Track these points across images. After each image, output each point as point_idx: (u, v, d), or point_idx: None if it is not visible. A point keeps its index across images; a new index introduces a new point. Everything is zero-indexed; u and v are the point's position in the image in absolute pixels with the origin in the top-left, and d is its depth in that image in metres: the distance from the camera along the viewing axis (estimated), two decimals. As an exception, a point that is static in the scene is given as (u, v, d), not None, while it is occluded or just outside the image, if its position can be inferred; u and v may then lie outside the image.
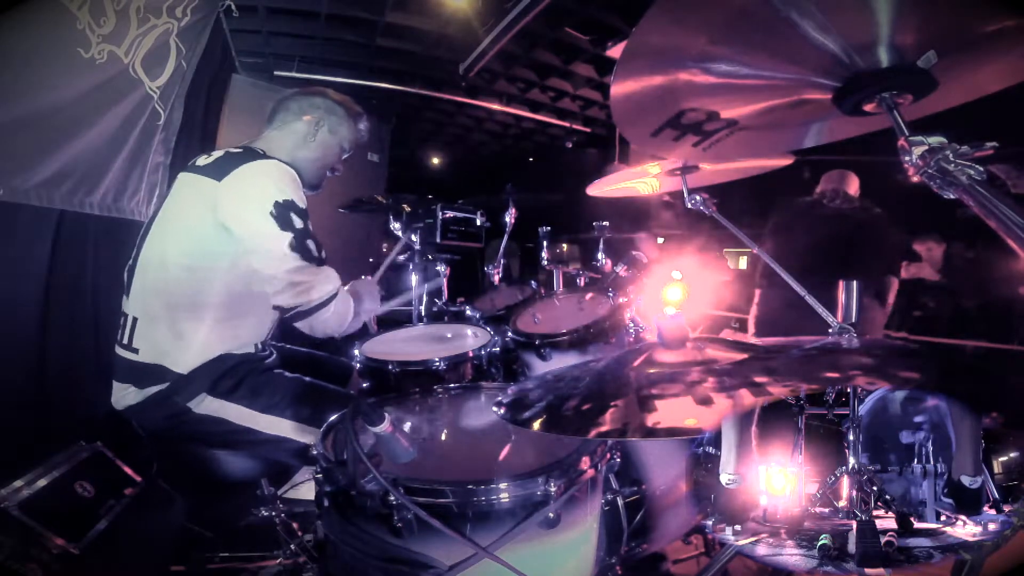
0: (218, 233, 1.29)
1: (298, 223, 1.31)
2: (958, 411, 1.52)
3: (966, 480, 1.45)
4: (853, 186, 2.48)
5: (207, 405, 1.31)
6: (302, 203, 1.35)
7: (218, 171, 1.32)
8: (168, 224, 1.38)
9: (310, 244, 1.33)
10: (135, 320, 1.34)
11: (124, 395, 1.34)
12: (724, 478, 1.58)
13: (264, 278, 1.32)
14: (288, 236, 1.29)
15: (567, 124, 6.35)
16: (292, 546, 1.43)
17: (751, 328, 2.44)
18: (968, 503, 1.43)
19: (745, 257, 4.68)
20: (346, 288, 1.47)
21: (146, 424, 1.36)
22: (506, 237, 2.55)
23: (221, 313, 1.32)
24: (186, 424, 1.31)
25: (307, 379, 1.42)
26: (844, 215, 2.32)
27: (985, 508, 1.44)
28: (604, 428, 0.72)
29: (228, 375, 1.33)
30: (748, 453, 1.58)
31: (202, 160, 1.39)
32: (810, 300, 1.32)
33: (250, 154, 1.37)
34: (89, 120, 2.19)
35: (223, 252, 1.30)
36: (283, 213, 1.29)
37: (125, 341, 1.35)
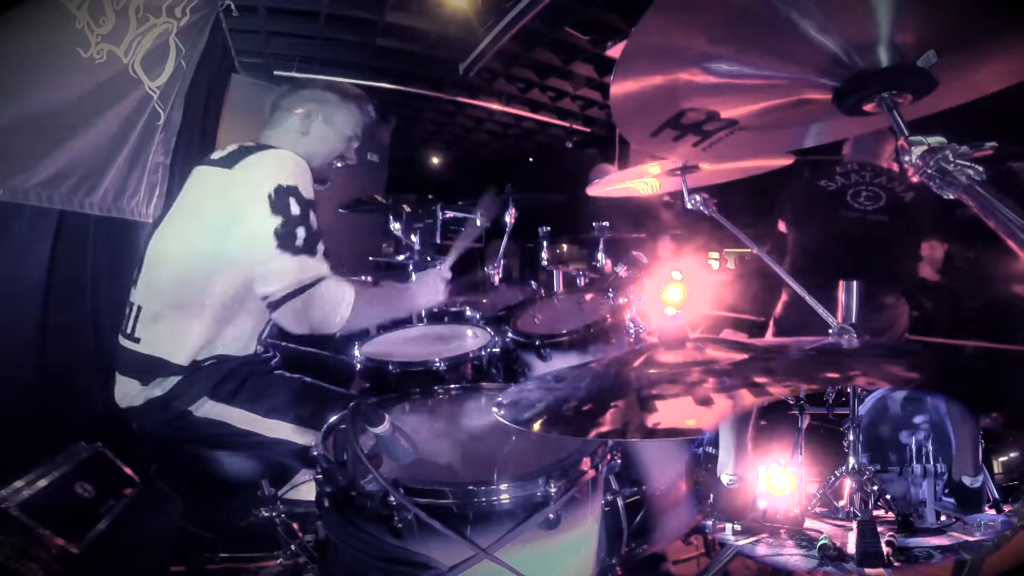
0: (227, 223, 1.28)
1: (294, 210, 1.27)
2: (958, 411, 1.51)
3: (967, 480, 1.45)
4: (887, 152, 2.18)
5: (208, 409, 1.31)
6: (308, 193, 1.31)
7: (231, 161, 1.32)
8: (180, 215, 1.37)
9: (299, 232, 1.27)
10: (139, 309, 1.34)
11: (128, 393, 1.33)
12: (724, 478, 1.58)
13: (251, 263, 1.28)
14: (276, 221, 1.25)
15: (567, 124, 6.34)
16: (292, 546, 1.42)
17: (770, 329, 2.35)
18: (969, 503, 1.43)
19: (745, 257, 4.67)
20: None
21: (146, 425, 1.35)
22: (506, 237, 2.55)
23: (224, 304, 1.31)
24: (186, 427, 1.31)
25: (308, 380, 1.42)
26: (868, 221, 2.10)
27: (984, 508, 1.44)
28: (604, 428, 0.72)
29: (229, 378, 1.33)
30: (746, 453, 1.58)
31: (217, 154, 1.39)
32: (811, 301, 1.31)
33: (263, 146, 1.37)
34: (89, 120, 2.18)
35: (230, 240, 1.28)
36: (281, 198, 1.26)
37: (128, 331, 1.35)
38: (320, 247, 1.32)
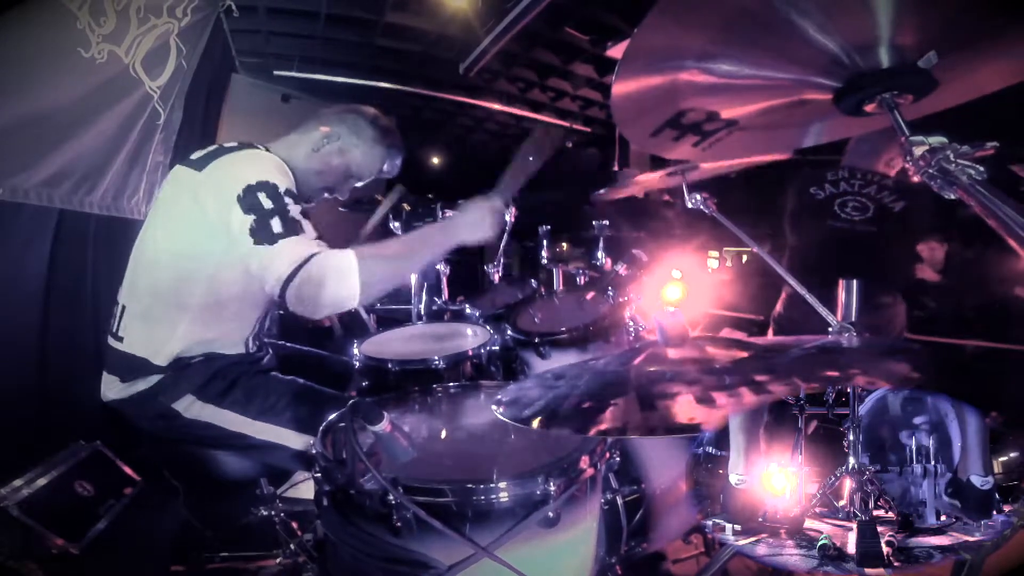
0: (198, 223, 1.25)
1: (266, 204, 1.20)
2: (964, 409, 1.51)
3: (977, 480, 1.44)
4: (884, 158, 2.08)
5: (198, 410, 1.29)
6: (282, 185, 1.24)
7: (203, 163, 1.29)
8: (156, 216, 1.36)
9: (273, 223, 1.19)
10: (123, 308, 1.34)
11: (110, 388, 1.33)
12: (733, 479, 1.57)
13: (241, 266, 1.23)
14: (249, 219, 1.19)
15: (567, 124, 6.35)
16: (292, 546, 1.43)
17: (772, 328, 2.35)
18: (976, 504, 1.42)
19: (745, 256, 4.67)
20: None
21: (136, 420, 1.35)
22: (506, 236, 2.55)
23: (204, 305, 1.29)
24: (177, 428, 1.30)
25: (301, 381, 1.39)
26: (856, 231, 2.05)
27: (994, 513, 1.43)
28: (604, 426, 0.72)
29: (218, 378, 1.31)
30: (756, 455, 1.57)
31: (196, 154, 1.36)
32: (811, 300, 1.31)
33: (240, 147, 1.33)
34: (89, 120, 2.18)
35: (204, 243, 1.26)
36: (250, 196, 1.20)
37: (114, 330, 1.35)
38: (305, 229, 1.24)
